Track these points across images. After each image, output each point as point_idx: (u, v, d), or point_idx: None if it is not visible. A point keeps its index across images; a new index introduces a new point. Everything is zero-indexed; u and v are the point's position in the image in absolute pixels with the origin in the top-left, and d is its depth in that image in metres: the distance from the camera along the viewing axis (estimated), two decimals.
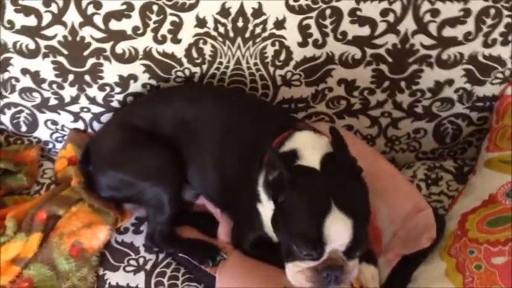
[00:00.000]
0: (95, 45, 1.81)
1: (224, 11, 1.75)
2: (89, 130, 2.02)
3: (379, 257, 1.57)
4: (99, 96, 1.92)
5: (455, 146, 2.07)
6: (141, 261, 1.72)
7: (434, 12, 1.73)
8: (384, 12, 1.74)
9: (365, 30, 1.78)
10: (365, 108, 1.96)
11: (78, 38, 1.79)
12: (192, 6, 1.75)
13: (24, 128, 2.03)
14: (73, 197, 1.82)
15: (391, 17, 1.75)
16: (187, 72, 1.87)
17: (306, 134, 1.56)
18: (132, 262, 1.72)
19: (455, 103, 1.94)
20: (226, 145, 1.68)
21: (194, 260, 1.65)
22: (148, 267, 1.70)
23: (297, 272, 1.37)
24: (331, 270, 1.34)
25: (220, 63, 1.85)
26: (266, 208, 1.50)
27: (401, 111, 1.96)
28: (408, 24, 1.76)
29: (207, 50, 1.83)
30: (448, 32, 1.77)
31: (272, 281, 1.50)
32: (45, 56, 1.82)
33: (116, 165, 1.75)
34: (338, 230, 1.30)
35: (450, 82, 1.88)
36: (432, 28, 1.76)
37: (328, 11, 1.75)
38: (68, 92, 1.91)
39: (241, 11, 1.75)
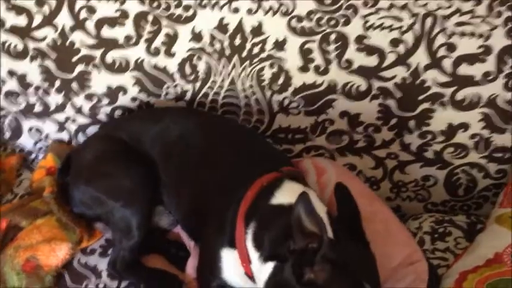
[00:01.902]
0: (84, 51, 1.72)
1: (222, 27, 1.64)
2: (74, 142, 1.90)
3: None
4: (86, 106, 1.82)
5: (469, 200, 1.85)
6: (100, 287, 1.56)
7: (450, 47, 1.58)
8: (394, 42, 1.60)
9: (372, 60, 1.63)
10: (369, 147, 1.79)
11: (67, 43, 1.71)
12: (188, 19, 1.65)
13: (8, 134, 1.93)
14: (41, 208, 1.69)
15: (401, 48, 1.60)
16: (179, 89, 1.75)
17: (298, 187, 1.37)
18: (91, 286, 1.56)
19: (470, 151, 1.74)
20: (205, 175, 1.53)
21: None
22: None
23: None
24: None
25: (214, 82, 1.73)
26: (254, 265, 1.30)
27: (409, 154, 1.78)
28: (420, 58, 1.61)
29: (201, 66, 1.70)
30: (464, 69, 1.60)
31: None
32: (33, 58, 1.74)
33: (88, 179, 1.62)
34: None
35: (465, 126, 1.69)
36: (447, 64, 1.60)
37: (333, 36, 1.62)
38: (54, 99, 1.82)
39: (239, 28, 1.63)
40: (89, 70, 1.74)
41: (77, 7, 1.66)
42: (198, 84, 1.74)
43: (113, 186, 1.58)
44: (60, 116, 1.85)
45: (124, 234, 1.57)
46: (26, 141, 1.94)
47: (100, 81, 1.76)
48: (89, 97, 1.80)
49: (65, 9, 1.66)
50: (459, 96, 1.64)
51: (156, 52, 1.69)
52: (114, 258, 1.60)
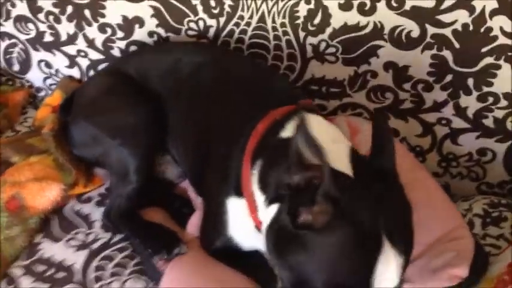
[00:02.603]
0: None
1: None
2: (85, 80, 1.72)
3: None
4: (99, 39, 1.62)
5: None
6: (90, 237, 1.36)
7: None
8: None
9: (429, 1, 1.36)
10: (417, 109, 1.51)
11: None
12: None
13: (16, 67, 1.77)
14: (38, 146, 1.52)
15: None
16: (201, 24, 1.53)
17: (317, 120, 1.16)
18: (80, 236, 1.36)
19: None
20: (215, 114, 1.32)
21: (148, 247, 1.28)
22: (95, 246, 1.34)
23: None
24: None
25: (241, 17, 1.50)
26: (261, 211, 1.08)
27: (464, 121, 1.49)
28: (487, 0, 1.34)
29: None
30: None
31: None
32: None
33: (88, 114, 1.44)
34: (389, 273, 0.88)
35: None
36: None
37: None
38: (65, 28, 1.63)
39: None
40: None
41: None
42: (223, 20, 1.51)
43: (112, 122, 1.39)
44: (72, 49, 1.67)
45: (121, 178, 1.38)
46: (35, 76, 1.78)
47: (115, 9, 1.56)
48: (102, 28, 1.60)
49: None
50: None
51: None
52: (109, 207, 1.40)
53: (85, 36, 1.64)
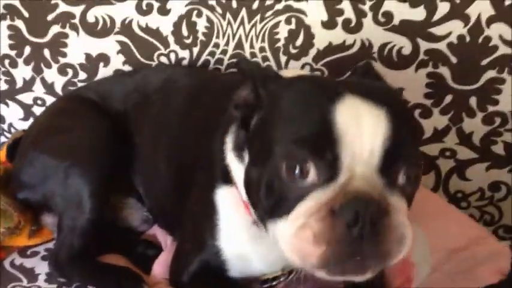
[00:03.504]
0: (62, 7, 1.40)
1: None
2: None
3: None
4: (59, 82, 1.46)
5: None
6: None
7: None
8: None
9: (418, 13, 1.26)
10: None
11: None
12: None
13: None
14: None
15: None
16: (173, 57, 1.40)
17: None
18: None
19: None
20: (187, 124, 1.14)
21: None
22: None
23: (297, 229, 0.74)
24: (359, 204, 0.71)
25: (217, 45, 1.37)
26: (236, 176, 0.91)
27: (471, 150, 1.33)
28: (482, 7, 1.23)
29: (201, 25, 1.36)
30: None
31: None
32: (3, 18, 1.42)
33: (36, 142, 1.24)
34: (360, 122, 0.74)
35: None
36: None
37: None
38: (22, 73, 1.47)
39: None
40: (65, 32, 1.41)
41: None
42: (196, 50, 1.38)
43: (61, 143, 1.19)
44: (28, 97, 1.50)
45: (72, 208, 1.14)
46: None
47: (78, 47, 1.42)
48: (62, 69, 1.45)
49: None
50: None
51: (149, 10, 1.36)
52: (56, 249, 1.15)
53: (43, 81, 1.47)
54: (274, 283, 0.96)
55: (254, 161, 0.83)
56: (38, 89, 1.49)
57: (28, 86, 1.49)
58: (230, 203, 0.94)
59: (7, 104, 1.52)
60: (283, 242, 0.75)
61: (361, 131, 0.72)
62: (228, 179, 0.93)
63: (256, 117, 0.84)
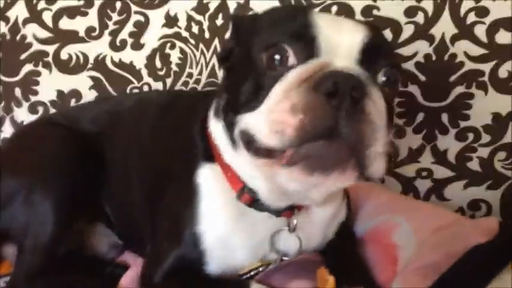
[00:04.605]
0: (36, 46, 1.43)
1: (201, 7, 1.38)
2: None
3: (393, 281, 0.81)
4: (28, 121, 1.42)
5: None
6: None
7: (480, 12, 1.27)
8: (410, 11, 1.29)
9: (385, 36, 1.30)
10: (392, 162, 1.33)
11: (18, 37, 1.43)
12: (162, 2, 1.40)
13: None
14: None
15: (420, 18, 1.30)
16: (146, 89, 1.40)
17: None
18: None
19: None
20: (160, 131, 1.11)
21: None
22: None
23: (275, 102, 0.72)
24: (339, 76, 0.70)
25: (190, 75, 1.39)
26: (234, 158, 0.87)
27: (447, 168, 1.31)
28: (445, 26, 1.29)
29: (175, 56, 1.39)
30: (503, 37, 1.26)
31: None
32: None
33: None
34: (339, 23, 0.77)
35: None
36: (480, 32, 1.27)
37: (334, 8, 1.33)
38: None
39: (222, 6, 1.36)
40: (38, 70, 1.43)
41: None
42: (170, 80, 1.40)
43: (24, 162, 1.12)
44: None
45: (33, 228, 1.05)
46: None
47: (50, 84, 1.43)
48: (33, 108, 1.44)
49: (21, 0, 1.43)
50: (502, 72, 1.26)
51: (122, 45, 1.40)
52: (15, 272, 1.05)
53: (13, 121, 1.46)
54: (252, 273, 0.90)
55: (233, 74, 0.83)
56: (7, 129, 1.47)
57: None
58: (213, 180, 0.90)
59: None
60: (259, 123, 0.72)
61: (340, 28, 0.74)
62: (210, 157, 0.91)
63: (236, 50, 0.85)
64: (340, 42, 0.73)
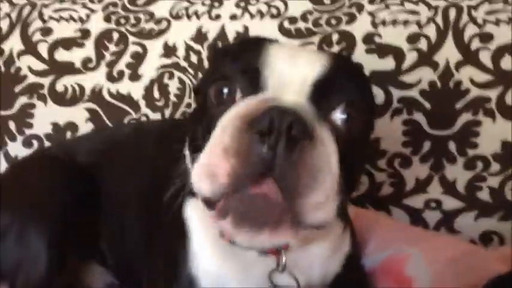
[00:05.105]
0: (31, 79, 1.40)
1: (200, 36, 1.35)
2: None
3: None
4: (22, 155, 1.36)
5: None
6: None
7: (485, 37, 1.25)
8: (413, 38, 1.28)
9: (387, 63, 1.28)
10: (399, 194, 1.27)
11: (13, 70, 1.40)
12: (161, 32, 1.37)
13: None
14: None
15: (423, 44, 1.28)
16: (144, 120, 1.37)
17: None
18: None
19: None
20: (157, 162, 1.05)
21: None
22: None
23: (210, 146, 0.66)
24: (278, 112, 0.63)
25: (189, 105, 1.35)
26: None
27: (456, 199, 1.25)
28: (449, 53, 1.26)
29: (173, 86, 1.35)
30: (509, 63, 1.23)
31: None
32: None
33: None
34: (293, 55, 0.72)
35: None
36: (485, 58, 1.24)
37: (335, 36, 1.31)
38: None
39: (221, 36, 1.34)
40: (33, 102, 1.39)
41: (31, 30, 1.42)
42: (168, 111, 1.36)
43: (16, 198, 1.07)
44: None
45: (26, 265, 1.00)
46: None
47: (45, 117, 1.39)
48: (27, 141, 1.39)
49: (16, 33, 1.42)
50: (509, 98, 1.23)
51: (120, 76, 1.37)
52: None
53: (6, 156, 1.41)
54: None
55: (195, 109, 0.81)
56: (0, 164, 1.42)
57: None
58: (199, 217, 0.85)
59: None
60: (194, 169, 0.66)
61: (295, 60, 0.70)
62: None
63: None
64: (292, 76, 0.69)
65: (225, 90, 0.70)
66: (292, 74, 0.69)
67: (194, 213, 0.86)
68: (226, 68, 0.72)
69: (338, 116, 0.70)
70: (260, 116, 0.62)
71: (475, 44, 1.25)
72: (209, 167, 0.64)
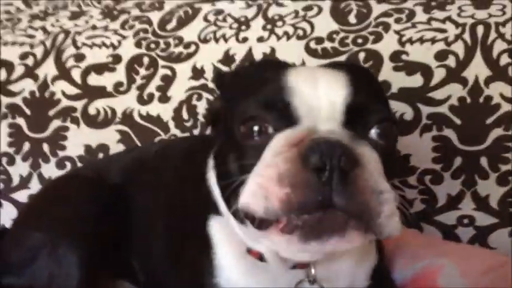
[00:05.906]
0: (64, 103, 1.44)
1: (227, 58, 1.38)
2: None
3: None
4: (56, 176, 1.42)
5: None
6: None
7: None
8: (441, 55, 1.27)
9: (416, 80, 1.28)
10: (431, 211, 1.27)
11: (47, 94, 1.45)
12: (189, 56, 1.41)
13: None
14: None
15: (451, 61, 1.27)
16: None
17: None
18: None
19: None
20: (183, 181, 1.06)
21: None
22: None
23: (262, 167, 0.69)
24: (326, 146, 0.65)
25: None
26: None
27: (490, 215, 1.23)
28: (478, 68, 1.25)
29: (201, 107, 1.38)
30: None
31: None
32: (3, 117, 1.45)
33: (24, 219, 1.14)
34: (315, 79, 0.74)
35: None
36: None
37: (362, 55, 1.32)
38: (19, 170, 1.44)
39: (248, 57, 1.37)
40: (66, 125, 1.42)
41: (65, 56, 1.47)
42: (197, 131, 1.38)
43: (49, 217, 1.08)
44: (23, 195, 1.45)
45: (56, 284, 1.01)
46: None
47: (78, 139, 1.43)
48: (61, 163, 1.42)
49: (50, 59, 1.47)
50: None
51: (150, 99, 1.40)
52: None
53: (40, 177, 1.44)
54: None
55: (221, 139, 0.82)
56: (34, 186, 1.45)
57: (24, 183, 1.45)
58: (224, 233, 0.86)
59: (0, 204, 1.48)
60: (246, 190, 0.68)
61: (316, 85, 0.72)
62: (219, 211, 0.87)
63: (223, 111, 0.84)
64: (319, 101, 0.70)
65: (256, 128, 0.72)
66: (319, 98, 0.71)
67: (218, 229, 0.87)
68: (251, 107, 0.73)
69: (374, 132, 0.73)
70: (310, 150, 0.65)
71: (504, 59, 1.25)
72: (262, 186, 0.66)
